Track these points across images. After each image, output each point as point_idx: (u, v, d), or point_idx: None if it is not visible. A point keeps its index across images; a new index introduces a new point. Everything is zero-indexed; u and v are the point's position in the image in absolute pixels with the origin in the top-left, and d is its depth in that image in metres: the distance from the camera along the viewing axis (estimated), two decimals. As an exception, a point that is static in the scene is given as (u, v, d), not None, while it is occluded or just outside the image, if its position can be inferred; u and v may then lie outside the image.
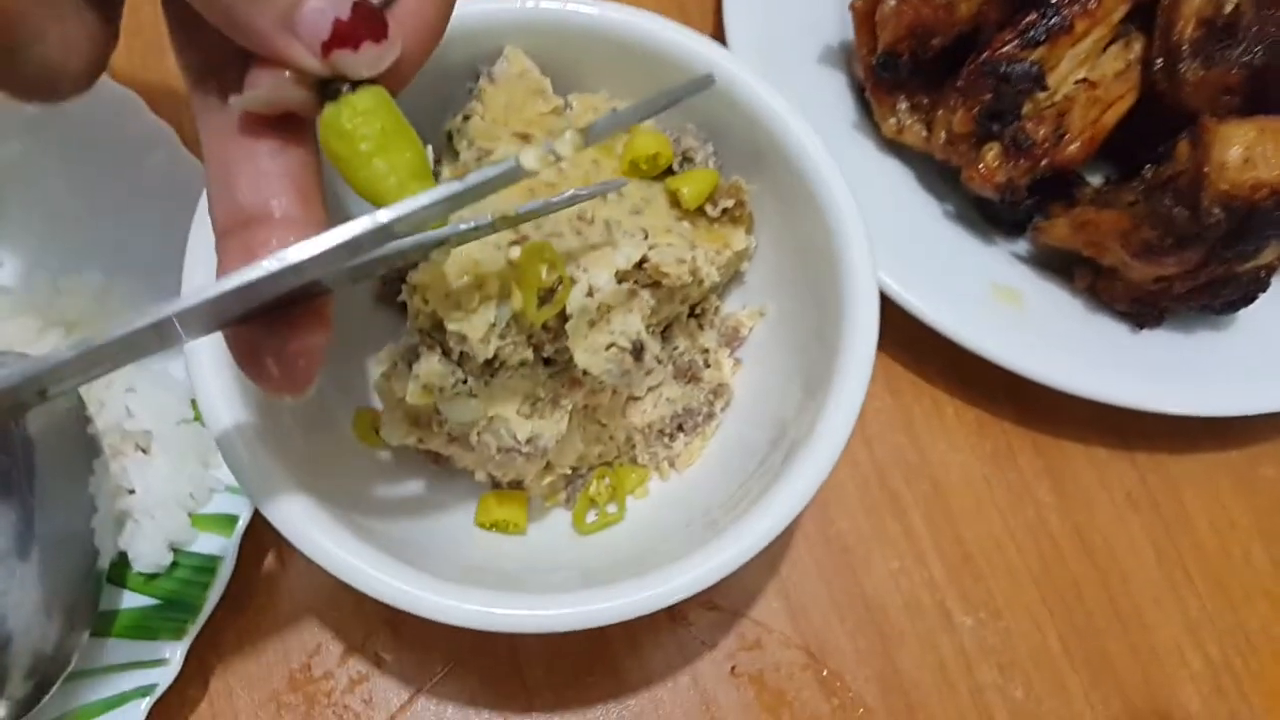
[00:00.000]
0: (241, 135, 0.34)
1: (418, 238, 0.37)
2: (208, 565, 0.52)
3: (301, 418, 0.51)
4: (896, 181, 0.69)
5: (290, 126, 0.34)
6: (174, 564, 0.53)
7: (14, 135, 0.61)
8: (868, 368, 0.49)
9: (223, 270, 0.33)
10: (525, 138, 0.53)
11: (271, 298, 0.32)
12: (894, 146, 0.69)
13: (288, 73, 0.33)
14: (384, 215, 0.31)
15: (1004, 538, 0.63)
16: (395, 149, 0.33)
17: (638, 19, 0.55)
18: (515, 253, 0.48)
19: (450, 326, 0.46)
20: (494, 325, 0.46)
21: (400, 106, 0.34)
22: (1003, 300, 0.65)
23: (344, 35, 0.32)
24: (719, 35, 0.71)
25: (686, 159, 0.56)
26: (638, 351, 0.48)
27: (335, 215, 0.34)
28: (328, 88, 0.34)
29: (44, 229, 0.61)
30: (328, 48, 0.32)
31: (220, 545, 0.52)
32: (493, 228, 0.40)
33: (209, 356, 0.46)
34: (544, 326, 0.48)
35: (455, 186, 0.32)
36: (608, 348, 0.48)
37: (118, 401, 0.54)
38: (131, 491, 0.53)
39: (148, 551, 0.52)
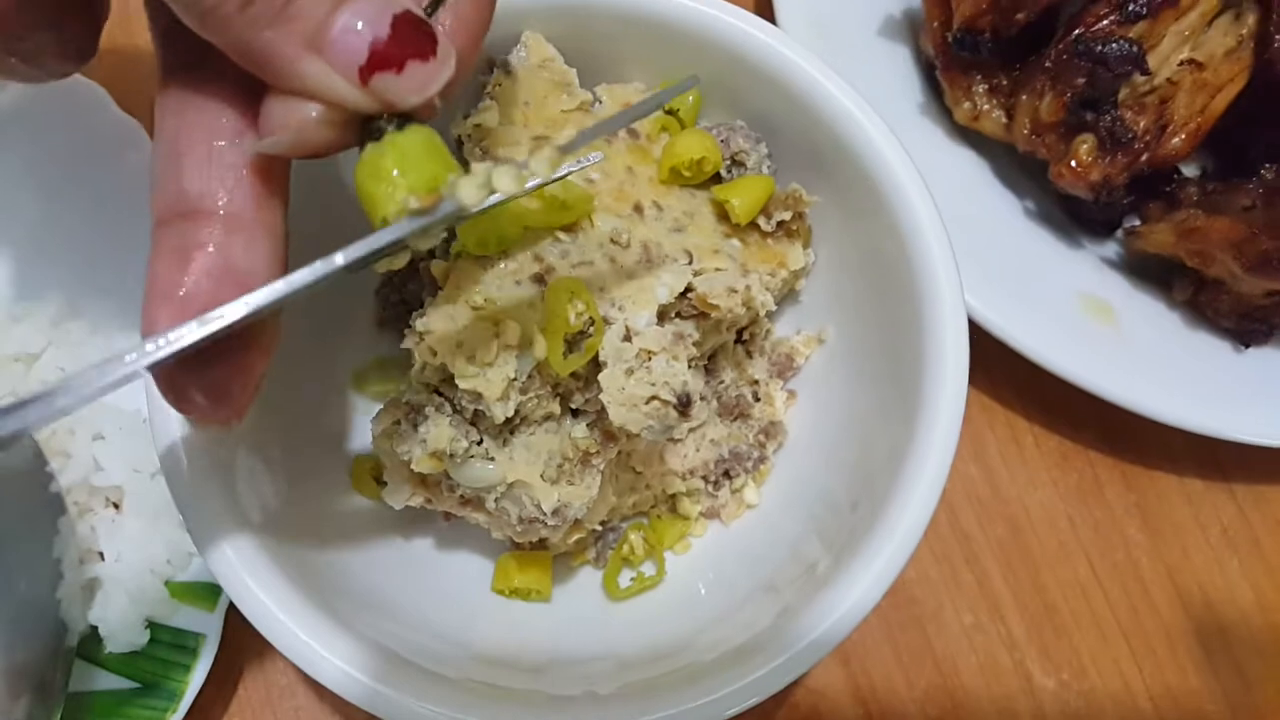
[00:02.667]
0: (202, 107, 0.29)
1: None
2: (189, 644, 0.45)
3: (289, 468, 0.44)
4: (969, 174, 0.60)
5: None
6: (151, 640, 0.46)
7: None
8: (958, 409, 0.41)
9: (153, 266, 0.28)
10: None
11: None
12: (967, 134, 0.61)
13: (315, 108, 0.27)
14: (339, 258, 0.27)
15: (1090, 584, 0.56)
16: None
17: (676, -5, 0.46)
18: (537, 290, 0.40)
19: (462, 384, 0.38)
20: (514, 380, 0.39)
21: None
22: (1091, 314, 0.57)
23: (387, 55, 0.26)
24: (764, 2, 0.63)
25: (736, 163, 0.48)
26: (684, 405, 0.41)
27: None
28: (367, 126, 0.28)
29: (2, 242, 0.53)
30: (367, 72, 0.26)
31: (203, 621, 0.46)
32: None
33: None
34: (572, 375, 0.41)
35: (397, 231, 0.28)
36: (648, 401, 0.40)
37: (84, 453, 0.47)
38: (101, 555, 0.46)
39: (121, 629, 0.45)
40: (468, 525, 0.47)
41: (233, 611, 0.46)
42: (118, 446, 0.47)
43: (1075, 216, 0.60)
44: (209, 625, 0.46)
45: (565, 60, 0.47)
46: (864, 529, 0.41)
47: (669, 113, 0.48)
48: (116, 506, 0.48)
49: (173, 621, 0.46)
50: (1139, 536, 0.58)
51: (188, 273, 0.27)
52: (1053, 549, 0.57)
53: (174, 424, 0.38)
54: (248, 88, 0.28)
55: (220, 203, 0.28)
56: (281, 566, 0.38)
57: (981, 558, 0.56)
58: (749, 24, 0.46)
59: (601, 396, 0.40)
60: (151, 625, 0.46)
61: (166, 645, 0.46)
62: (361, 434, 0.48)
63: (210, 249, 0.28)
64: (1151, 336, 0.57)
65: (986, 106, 0.58)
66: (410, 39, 0.27)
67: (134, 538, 0.46)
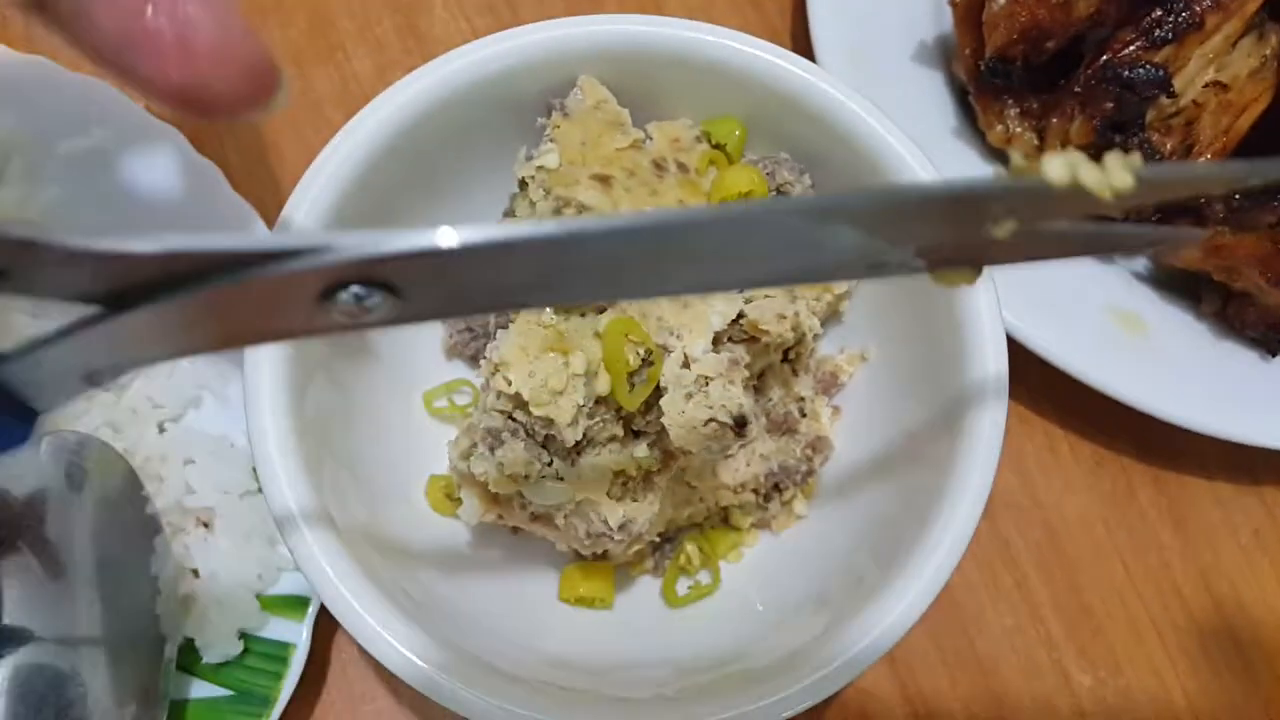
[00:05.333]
0: None
1: None
2: (279, 653, 0.49)
3: (370, 484, 0.48)
4: (1001, 195, 0.62)
5: None
6: (244, 651, 0.49)
7: (52, 179, 0.56)
8: (999, 421, 0.44)
9: None
10: (605, 180, 0.48)
11: None
12: (1000, 156, 0.63)
13: None
14: None
15: (1125, 586, 0.59)
16: None
17: (721, 37, 0.49)
18: (601, 319, 0.43)
19: (536, 412, 0.41)
20: (582, 406, 0.42)
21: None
22: (1123, 327, 0.59)
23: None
24: (801, 31, 0.66)
25: (782, 194, 0.50)
26: (740, 426, 0.43)
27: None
28: None
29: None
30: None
31: (292, 631, 0.49)
32: None
33: (273, 426, 0.42)
34: (635, 399, 0.44)
35: None
36: (706, 423, 0.43)
37: (176, 476, 0.50)
38: (195, 573, 0.50)
39: (216, 641, 0.48)
40: (534, 539, 0.50)
41: (318, 622, 0.50)
42: (207, 470, 0.51)
43: (1106, 233, 0.62)
44: (298, 635, 0.49)
45: (619, 101, 0.50)
46: (910, 540, 0.43)
47: (717, 147, 0.51)
48: (207, 526, 0.51)
49: (264, 632, 0.50)
50: (1172, 540, 0.60)
51: None
52: (1088, 553, 0.59)
53: (271, 444, 0.41)
54: None
55: None
56: (367, 574, 0.40)
57: (1020, 562, 0.59)
58: (792, 63, 0.49)
59: (663, 420, 0.43)
60: (244, 636, 0.49)
61: (258, 655, 0.49)
62: (434, 454, 0.51)
63: None
64: (1181, 347, 0.59)
65: (1019, 129, 0.60)
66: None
67: (226, 555, 0.50)
